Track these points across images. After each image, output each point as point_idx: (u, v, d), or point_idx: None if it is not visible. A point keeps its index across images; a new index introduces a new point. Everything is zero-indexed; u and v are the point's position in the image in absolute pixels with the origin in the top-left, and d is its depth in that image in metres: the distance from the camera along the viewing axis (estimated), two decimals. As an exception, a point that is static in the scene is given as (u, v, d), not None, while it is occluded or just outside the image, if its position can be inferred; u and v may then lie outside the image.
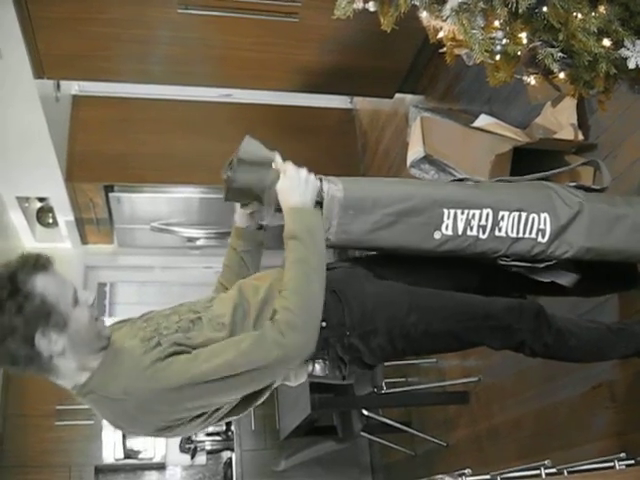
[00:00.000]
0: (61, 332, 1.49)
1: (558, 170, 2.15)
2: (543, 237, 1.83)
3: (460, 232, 1.77)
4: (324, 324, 1.66)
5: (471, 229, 1.77)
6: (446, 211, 1.75)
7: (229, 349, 1.54)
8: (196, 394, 1.50)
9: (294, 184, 1.69)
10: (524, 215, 1.80)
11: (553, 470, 1.64)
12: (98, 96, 4.99)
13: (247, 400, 1.66)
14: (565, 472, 1.62)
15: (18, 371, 1.51)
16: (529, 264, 1.89)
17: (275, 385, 1.72)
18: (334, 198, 1.68)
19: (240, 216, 1.97)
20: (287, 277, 1.60)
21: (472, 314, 1.78)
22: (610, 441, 2.39)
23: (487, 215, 1.78)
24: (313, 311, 1.56)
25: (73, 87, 4.93)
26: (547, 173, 2.05)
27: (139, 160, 4.91)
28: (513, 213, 1.80)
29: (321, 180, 1.73)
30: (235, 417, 1.76)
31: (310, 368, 1.72)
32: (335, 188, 1.70)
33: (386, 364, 3.50)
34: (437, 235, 1.76)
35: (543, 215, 1.81)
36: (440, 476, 1.23)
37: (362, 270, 1.86)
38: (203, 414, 1.59)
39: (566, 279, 1.96)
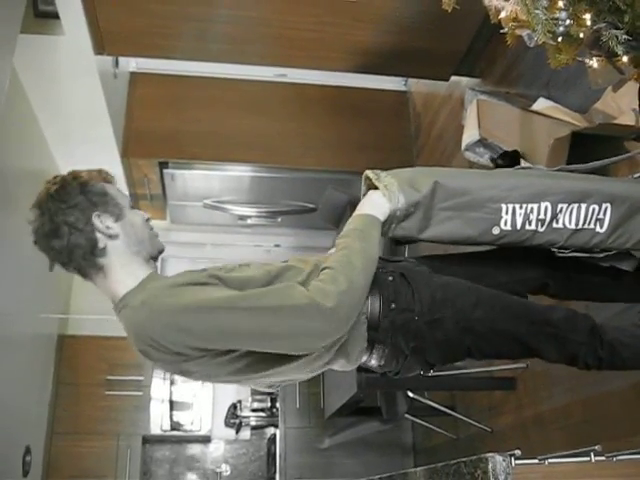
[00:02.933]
0: (116, 220, 1.63)
1: (619, 158, 2.11)
2: (602, 227, 1.80)
3: (519, 227, 1.75)
4: (393, 306, 1.66)
5: (529, 223, 1.75)
6: (504, 206, 1.73)
7: (253, 288, 1.54)
8: (205, 318, 1.46)
9: (370, 199, 1.72)
10: (584, 206, 1.77)
11: (602, 458, 1.62)
12: (155, 73, 5.08)
13: (277, 361, 1.59)
14: (614, 459, 1.59)
15: (70, 251, 1.59)
16: (588, 254, 1.87)
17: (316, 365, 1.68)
18: (396, 207, 1.68)
19: None
20: (330, 260, 1.59)
21: (532, 318, 1.76)
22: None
23: (546, 208, 1.75)
24: (350, 285, 1.50)
25: (131, 64, 5.01)
26: (607, 160, 2.01)
27: (193, 137, 4.97)
28: (572, 205, 1.77)
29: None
30: (269, 384, 1.76)
31: (365, 357, 1.71)
32: (395, 198, 1.68)
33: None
34: (495, 231, 1.74)
35: (604, 205, 1.78)
36: (490, 454, 1.23)
37: (426, 267, 1.85)
38: (228, 354, 1.53)
39: (627, 263, 1.94)
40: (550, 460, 1.59)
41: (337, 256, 1.59)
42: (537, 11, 1.73)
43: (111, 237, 1.62)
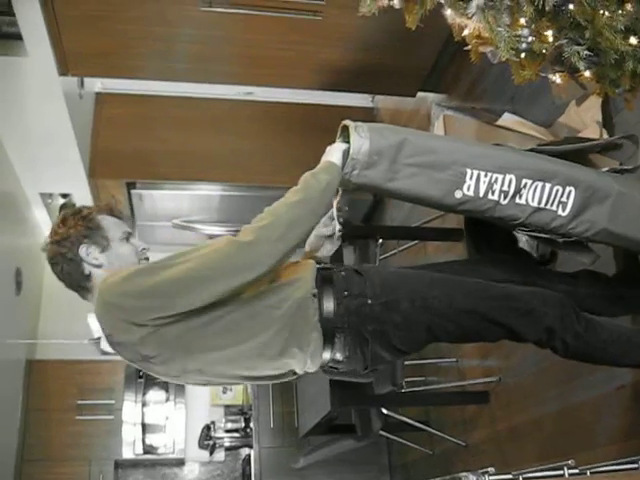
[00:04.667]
0: (102, 252, 1.80)
1: (591, 143, 2.10)
2: (564, 210, 1.82)
3: (481, 194, 1.77)
4: (346, 293, 1.73)
5: (493, 193, 1.77)
6: (469, 171, 1.75)
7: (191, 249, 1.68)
8: (146, 278, 1.62)
9: (325, 152, 1.80)
10: (548, 186, 1.79)
11: (576, 471, 1.62)
12: (121, 93, 5.04)
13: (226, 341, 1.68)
14: (588, 473, 1.60)
15: (65, 277, 1.80)
16: (547, 236, 1.89)
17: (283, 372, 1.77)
18: (361, 148, 1.70)
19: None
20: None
21: (493, 294, 1.79)
22: (634, 443, 2.37)
23: (510, 181, 1.77)
24: (274, 221, 1.61)
25: (96, 85, 4.97)
26: (579, 145, 2.02)
27: (161, 157, 4.93)
28: (537, 182, 1.79)
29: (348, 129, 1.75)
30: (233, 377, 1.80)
31: (328, 354, 1.72)
32: (362, 139, 1.71)
33: (406, 363, 3.50)
34: (458, 194, 1.76)
35: (568, 188, 1.80)
36: (464, 474, 1.22)
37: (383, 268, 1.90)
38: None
39: (587, 257, 1.96)
40: (525, 475, 1.59)
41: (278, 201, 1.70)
42: (500, 28, 1.75)
43: (95, 266, 1.79)
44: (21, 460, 5.13)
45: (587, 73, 1.90)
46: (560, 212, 1.81)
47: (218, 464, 5.93)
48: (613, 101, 2.56)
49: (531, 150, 1.96)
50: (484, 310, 1.76)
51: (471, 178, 1.75)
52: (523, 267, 2.05)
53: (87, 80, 4.61)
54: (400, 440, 4.49)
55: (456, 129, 3.11)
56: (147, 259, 1.86)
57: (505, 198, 1.78)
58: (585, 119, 2.66)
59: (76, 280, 1.80)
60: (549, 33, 1.81)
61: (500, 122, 3.03)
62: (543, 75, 2.02)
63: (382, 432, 4.03)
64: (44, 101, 4.06)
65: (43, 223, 5.38)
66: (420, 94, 4.32)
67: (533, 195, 1.80)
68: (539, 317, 1.76)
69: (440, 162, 1.75)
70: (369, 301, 1.71)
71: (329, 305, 1.72)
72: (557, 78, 2.00)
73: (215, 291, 1.60)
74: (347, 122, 1.78)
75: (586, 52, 1.79)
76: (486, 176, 1.76)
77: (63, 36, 3.53)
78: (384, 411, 3.72)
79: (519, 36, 1.82)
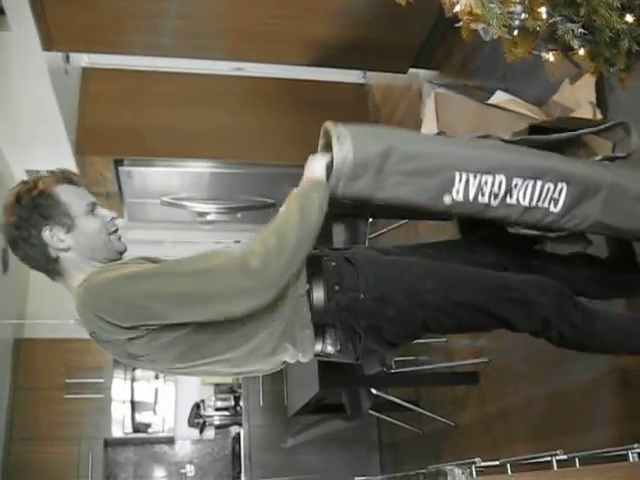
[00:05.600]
0: (67, 232, 1.64)
1: (582, 131, 2.07)
2: (556, 206, 1.77)
3: (471, 198, 1.71)
4: (337, 287, 1.67)
5: (482, 196, 1.71)
6: (458, 174, 1.69)
7: (188, 259, 1.56)
8: (134, 285, 1.51)
9: (308, 165, 1.71)
10: (539, 183, 1.74)
11: (564, 457, 1.60)
12: (108, 68, 4.94)
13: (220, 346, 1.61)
14: (577, 461, 1.57)
15: (29, 261, 1.66)
16: (539, 233, 1.85)
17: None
18: (345, 159, 1.62)
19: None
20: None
21: (490, 284, 1.74)
22: (621, 427, 2.36)
23: (500, 182, 1.71)
24: (279, 248, 1.50)
25: (83, 59, 4.87)
26: (571, 133, 1.98)
27: (150, 134, 4.85)
28: (528, 181, 1.73)
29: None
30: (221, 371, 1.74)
31: (319, 346, 1.69)
32: (345, 150, 1.63)
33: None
34: (447, 199, 1.69)
35: (560, 185, 1.75)
36: (449, 466, 1.19)
37: (375, 251, 1.84)
38: (167, 334, 1.55)
39: (580, 245, 1.93)
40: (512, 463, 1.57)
41: (274, 219, 1.59)
42: (492, 5, 1.70)
43: (62, 250, 1.65)
44: (10, 439, 5.11)
45: (581, 51, 1.85)
46: (552, 209, 1.76)
47: (208, 442, 5.94)
48: (607, 80, 2.51)
49: (521, 141, 1.90)
50: (480, 302, 1.71)
51: (460, 181, 1.69)
52: (518, 247, 2.01)
53: (73, 55, 4.52)
54: (389, 419, 4.49)
55: (447, 107, 3.05)
56: (116, 231, 1.73)
57: (495, 199, 1.72)
58: (579, 98, 2.61)
59: (42, 264, 1.66)
60: (543, 10, 1.75)
61: (492, 100, 2.98)
62: (536, 53, 1.97)
63: (372, 411, 4.03)
64: (28, 76, 3.99)
65: (30, 200, 5.31)
66: (412, 70, 4.27)
67: (524, 194, 1.74)
68: (536, 308, 1.72)
69: (428, 168, 1.68)
70: (362, 296, 1.65)
71: (319, 301, 1.65)
72: (550, 56, 1.95)
73: (212, 313, 1.52)
74: (329, 125, 1.69)
75: (580, 30, 1.75)
76: (475, 178, 1.69)
77: (47, 10, 3.45)
78: (373, 391, 3.71)
79: (512, 13, 1.76)
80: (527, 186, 1.73)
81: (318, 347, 1.71)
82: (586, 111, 2.54)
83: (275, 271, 1.48)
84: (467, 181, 1.69)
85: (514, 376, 3.19)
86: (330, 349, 1.70)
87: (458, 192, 1.70)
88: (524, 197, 1.74)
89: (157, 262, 1.64)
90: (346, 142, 1.63)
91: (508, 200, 1.74)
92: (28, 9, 3.41)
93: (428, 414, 3.99)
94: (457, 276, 1.74)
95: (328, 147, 1.71)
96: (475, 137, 1.95)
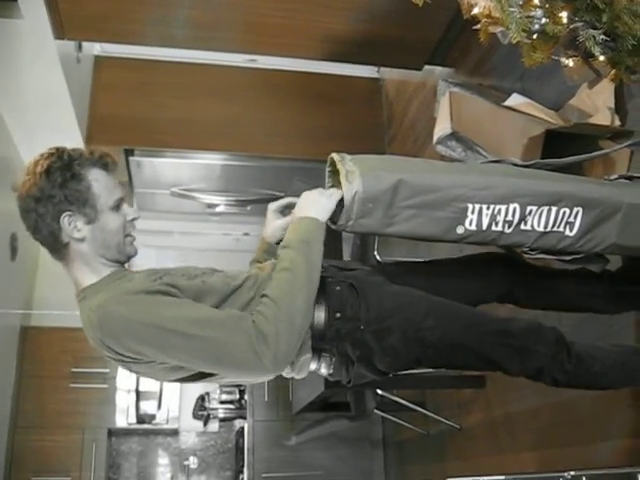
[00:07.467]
0: (87, 224, 1.58)
1: (595, 154, 2.03)
2: (572, 230, 1.73)
3: (484, 228, 1.68)
4: (338, 315, 1.64)
5: (496, 224, 1.68)
6: (470, 206, 1.65)
7: (203, 309, 1.51)
8: (150, 338, 1.46)
9: (312, 198, 1.67)
10: (554, 209, 1.70)
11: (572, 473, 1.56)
12: (121, 57, 4.90)
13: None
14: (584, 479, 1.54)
15: (36, 232, 1.59)
16: (554, 257, 1.81)
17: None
18: (354, 198, 1.59)
19: (274, 230, 1.87)
20: (272, 284, 1.55)
21: (489, 328, 1.71)
22: (629, 441, 2.31)
23: (514, 210, 1.68)
24: (290, 327, 1.46)
25: (95, 47, 4.83)
26: (584, 156, 1.94)
27: (161, 124, 4.82)
28: (542, 207, 1.69)
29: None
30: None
31: (314, 365, 1.69)
32: (355, 185, 1.59)
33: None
34: (460, 230, 1.67)
35: (576, 209, 1.71)
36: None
37: (381, 276, 1.81)
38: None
39: (596, 266, 1.89)
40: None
41: (280, 281, 1.54)
42: (512, 9, 1.65)
43: (76, 239, 1.59)
44: (14, 427, 5.10)
45: (602, 58, 1.80)
46: (568, 232, 1.73)
47: (212, 435, 5.93)
48: (627, 86, 2.45)
49: (534, 164, 1.86)
50: (476, 345, 1.69)
51: (473, 212, 1.65)
52: (526, 266, 1.97)
53: (85, 44, 4.48)
54: (394, 419, 4.46)
55: (462, 108, 3.00)
56: (132, 234, 1.67)
57: (510, 227, 1.69)
58: (597, 103, 2.55)
59: (49, 242, 1.60)
60: (564, 15, 1.71)
61: (508, 103, 2.93)
62: (555, 58, 1.92)
63: (377, 410, 4.00)
64: (40, 65, 3.95)
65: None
66: (427, 67, 4.21)
67: (539, 220, 1.70)
68: (531, 356, 1.70)
69: (439, 200, 1.64)
70: (361, 327, 1.63)
71: (320, 325, 1.63)
72: (570, 62, 1.91)
73: (209, 371, 1.55)
74: (335, 158, 1.66)
75: (602, 37, 1.70)
76: (488, 209, 1.66)
77: (59, -1, 3.41)
78: (379, 392, 3.68)
79: (532, 17, 1.72)
80: (542, 212, 1.70)
81: (313, 366, 1.71)
82: (604, 117, 2.48)
83: (287, 353, 1.47)
84: (480, 211, 1.66)
85: (521, 383, 3.11)
86: (324, 371, 1.71)
87: (471, 222, 1.66)
88: (539, 223, 1.70)
89: (165, 289, 1.53)
90: (355, 178, 1.59)
91: (522, 227, 1.70)
92: (41, -3, 3.38)
93: (433, 416, 3.96)
94: (459, 316, 1.72)
95: (335, 174, 1.68)
96: (487, 161, 1.92)
